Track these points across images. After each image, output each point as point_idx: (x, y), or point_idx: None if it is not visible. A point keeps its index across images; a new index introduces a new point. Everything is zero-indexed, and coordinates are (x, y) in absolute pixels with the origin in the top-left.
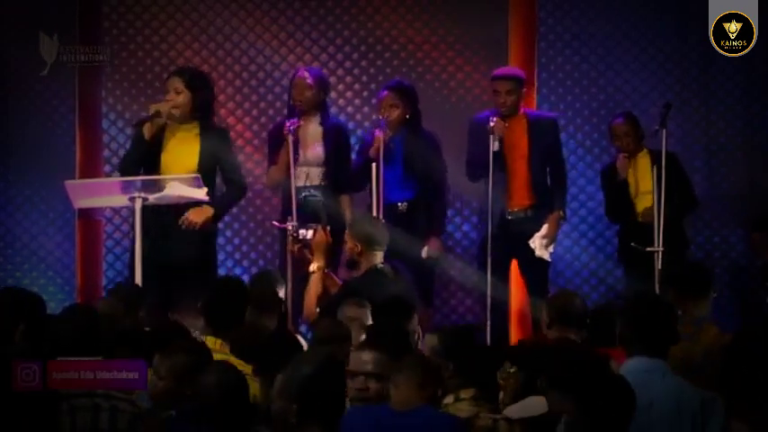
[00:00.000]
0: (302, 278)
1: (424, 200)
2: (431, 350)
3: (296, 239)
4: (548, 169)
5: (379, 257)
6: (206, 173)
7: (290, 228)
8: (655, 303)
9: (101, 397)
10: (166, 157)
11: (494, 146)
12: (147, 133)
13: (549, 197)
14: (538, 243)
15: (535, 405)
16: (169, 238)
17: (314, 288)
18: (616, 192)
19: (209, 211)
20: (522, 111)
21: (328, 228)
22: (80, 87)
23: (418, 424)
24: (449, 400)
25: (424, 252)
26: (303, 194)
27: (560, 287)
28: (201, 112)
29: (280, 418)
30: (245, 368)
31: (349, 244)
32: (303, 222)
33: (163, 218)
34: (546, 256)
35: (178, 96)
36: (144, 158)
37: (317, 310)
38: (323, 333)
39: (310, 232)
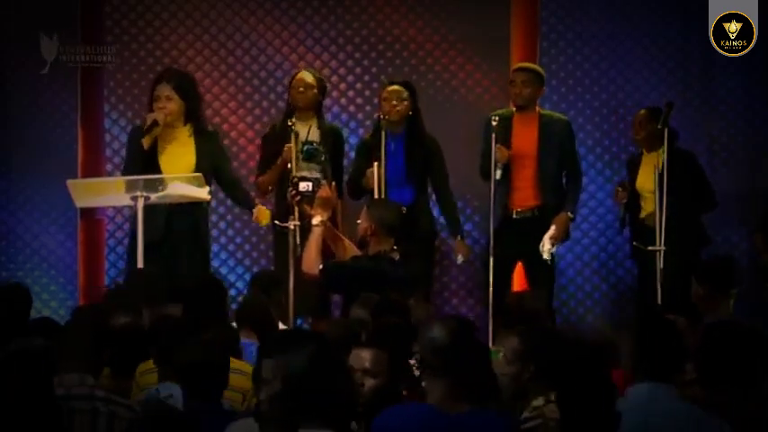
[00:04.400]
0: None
1: (425, 202)
2: (511, 351)
3: (297, 192)
4: (564, 171)
5: (390, 243)
6: (203, 173)
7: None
8: (662, 326)
9: (100, 401)
10: (164, 162)
11: (498, 175)
12: (146, 144)
13: (560, 199)
14: (547, 246)
15: None
16: (166, 233)
17: (315, 242)
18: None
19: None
20: (536, 109)
21: (333, 183)
22: (82, 86)
23: (473, 425)
24: (538, 402)
25: (459, 259)
26: (305, 147)
27: (561, 286)
28: (192, 116)
29: (269, 401)
30: (245, 367)
31: (363, 223)
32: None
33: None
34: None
35: (169, 103)
36: (145, 167)
37: (321, 266)
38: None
39: (310, 184)
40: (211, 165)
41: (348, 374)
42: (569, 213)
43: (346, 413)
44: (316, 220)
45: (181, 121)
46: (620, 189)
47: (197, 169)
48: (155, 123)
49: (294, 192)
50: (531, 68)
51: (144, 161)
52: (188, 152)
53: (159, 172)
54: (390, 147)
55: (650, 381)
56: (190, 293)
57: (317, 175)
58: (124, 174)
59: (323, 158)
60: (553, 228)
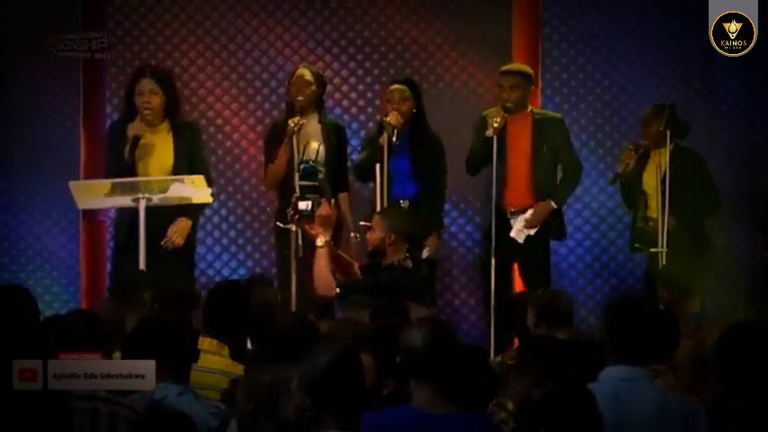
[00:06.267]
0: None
1: (426, 198)
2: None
3: (296, 211)
4: (559, 168)
5: (405, 250)
6: (182, 171)
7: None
8: (635, 309)
9: (101, 401)
10: (142, 163)
11: (489, 132)
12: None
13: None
14: (517, 226)
15: None
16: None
17: (325, 263)
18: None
19: (187, 225)
20: (528, 109)
21: (333, 201)
22: (84, 87)
23: (457, 426)
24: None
25: (425, 252)
26: (302, 166)
27: (563, 287)
28: (172, 112)
29: (297, 412)
30: (237, 370)
31: (378, 233)
32: (303, 193)
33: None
34: (520, 238)
35: (154, 98)
36: (125, 166)
37: (338, 290)
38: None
39: (309, 203)
40: (189, 160)
41: (362, 374)
42: (552, 202)
43: (359, 412)
44: (320, 242)
45: (160, 117)
46: (630, 149)
47: (174, 168)
48: (137, 139)
49: (293, 211)
50: (519, 71)
51: (125, 162)
52: (166, 151)
53: (135, 171)
54: (394, 142)
55: (623, 364)
56: (209, 298)
57: (314, 194)
58: (106, 172)
59: (320, 176)
60: (530, 211)
